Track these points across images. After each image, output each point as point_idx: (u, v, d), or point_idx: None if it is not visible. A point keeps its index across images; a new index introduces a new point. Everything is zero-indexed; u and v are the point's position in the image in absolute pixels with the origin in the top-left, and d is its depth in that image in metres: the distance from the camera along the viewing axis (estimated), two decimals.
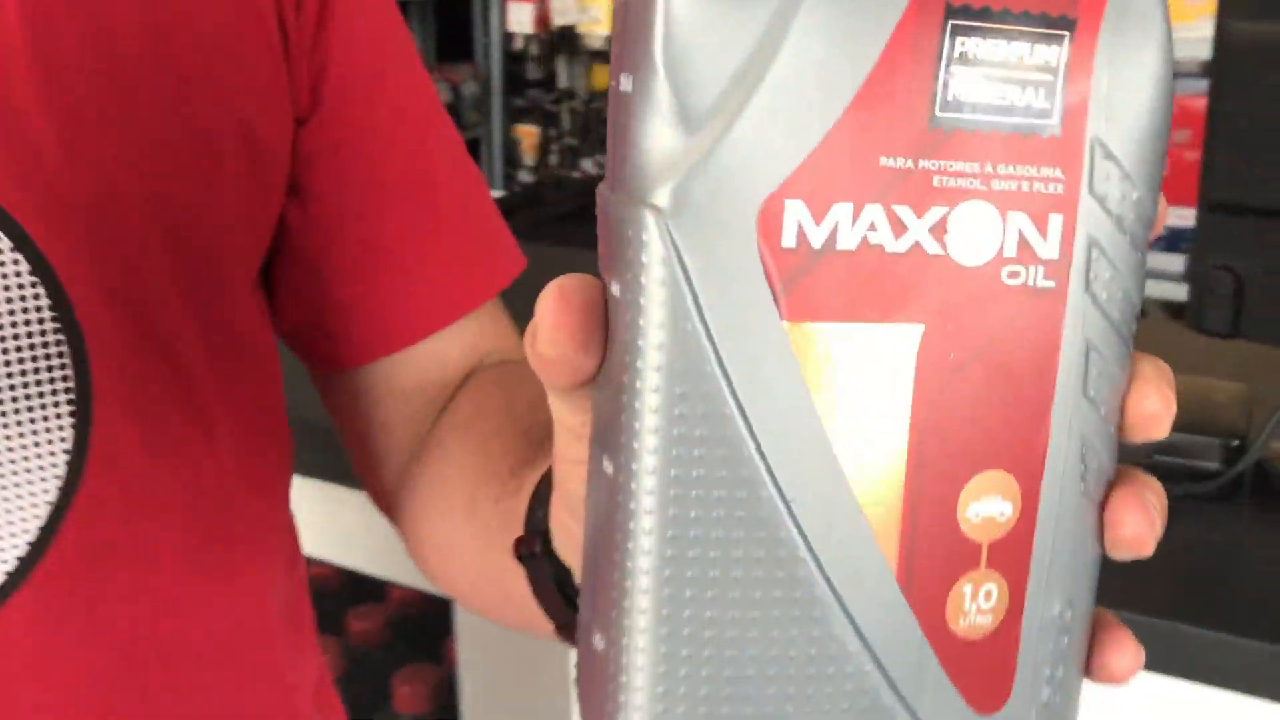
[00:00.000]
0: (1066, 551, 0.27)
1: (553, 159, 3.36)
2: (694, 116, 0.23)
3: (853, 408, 0.25)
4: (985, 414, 0.25)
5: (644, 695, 0.25)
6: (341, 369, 0.57)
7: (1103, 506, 0.27)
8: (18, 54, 0.43)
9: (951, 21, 0.24)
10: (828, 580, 0.25)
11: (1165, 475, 0.91)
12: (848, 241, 0.24)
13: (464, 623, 1.13)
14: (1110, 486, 0.27)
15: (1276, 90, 0.89)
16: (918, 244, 0.24)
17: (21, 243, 0.43)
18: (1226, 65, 0.91)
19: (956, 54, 0.24)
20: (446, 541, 0.55)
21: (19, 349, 0.44)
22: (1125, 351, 0.26)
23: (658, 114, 0.23)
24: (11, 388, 0.44)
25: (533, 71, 3.38)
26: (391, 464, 0.57)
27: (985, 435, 0.25)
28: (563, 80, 3.38)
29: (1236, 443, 0.89)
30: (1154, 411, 0.27)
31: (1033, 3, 0.24)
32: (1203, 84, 2.52)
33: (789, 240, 0.24)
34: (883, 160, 0.24)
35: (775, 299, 0.24)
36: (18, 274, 0.43)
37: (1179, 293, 2.35)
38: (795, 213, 0.24)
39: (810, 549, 0.25)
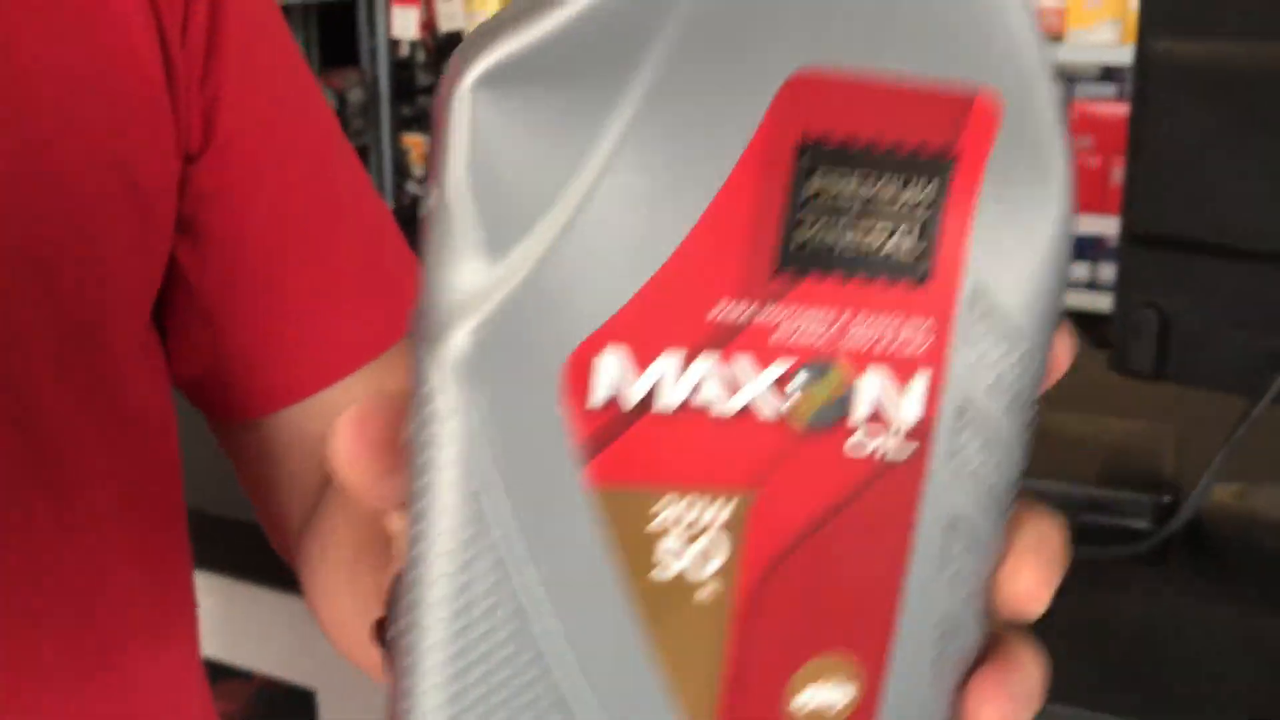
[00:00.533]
0: None
1: None
2: (498, 246, 0.21)
3: (667, 586, 0.23)
4: (823, 595, 0.23)
5: None
6: (244, 419, 0.55)
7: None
8: None
9: (804, 158, 0.21)
10: None
11: (1090, 537, 0.84)
12: (671, 399, 0.22)
13: (327, 708, 1.04)
14: (975, 666, 0.25)
15: (1199, 113, 0.82)
16: (752, 404, 0.22)
17: None
18: (1147, 87, 0.84)
19: (809, 193, 0.21)
20: (336, 606, 0.53)
21: None
22: (998, 523, 0.24)
23: (458, 240, 0.21)
24: None
25: (422, 78, 3.28)
26: (295, 515, 0.56)
27: (822, 618, 0.23)
28: None
29: (1168, 499, 0.83)
30: (1026, 591, 0.24)
31: (905, 135, 0.21)
32: (1106, 89, 2.54)
33: (600, 396, 0.22)
34: (717, 308, 0.21)
35: (580, 462, 0.22)
36: None
37: (1087, 301, 2.33)
38: (610, 365, 0.21)
39: None
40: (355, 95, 3.46)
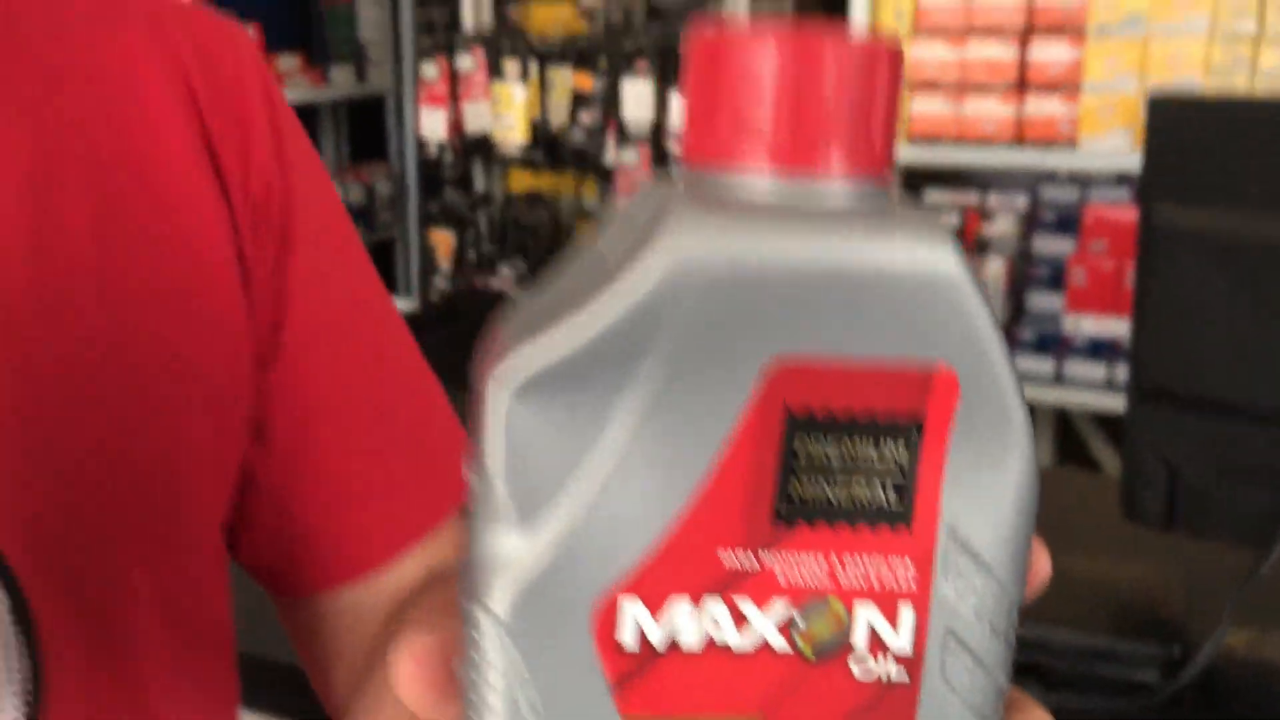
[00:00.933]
0: None
1: (469, 263, 3.33)
2: (527, 519, 0.25)
3: None
4: None
5: None
6: (303, 596, 0.60)
7: None
8: None
9: (790, 428, 0.25)
10: None
11: (1100, 687, 0.85)
12: (688, 638, 0.25)
13: None
14: None
15: (1203, 276, 0.86)
16: (763, 640, 0.25)
17: None
18: (1152, 251, 0.88)
19: (799, 458, 0.25)
20: None
21: None
22: None
23: (493, 514, 0.25)
24: None
25: (449, 172, 3.35)
26: (345, 683, 0.60)
27: None
28: (479, 185, 3.35)
29: (1178, 651, 0.85)
30: None
31: (878, 405, 0.25)
32: (1120, 193, 2.55)
33: (627, 638, 0.25)
34: (724, 555, 0.25)
35: (612, 696, 0.25)
36: None
37: (1104, 402, 2.35)
38: (633, 612, 0.25)
39: None
40: (383, 189, 3.54)
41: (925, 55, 2.39)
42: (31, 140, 0.48)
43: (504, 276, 3.25)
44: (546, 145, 3.18)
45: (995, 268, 2.48)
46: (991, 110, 2.37)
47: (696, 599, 0.25)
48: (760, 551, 0.25)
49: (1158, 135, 0.91)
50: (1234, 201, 0.86)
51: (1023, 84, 2.36)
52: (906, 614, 0.26)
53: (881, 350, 0.25)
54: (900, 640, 0.26)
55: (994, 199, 2.56)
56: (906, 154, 2.45)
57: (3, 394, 0.46)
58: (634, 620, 0.25)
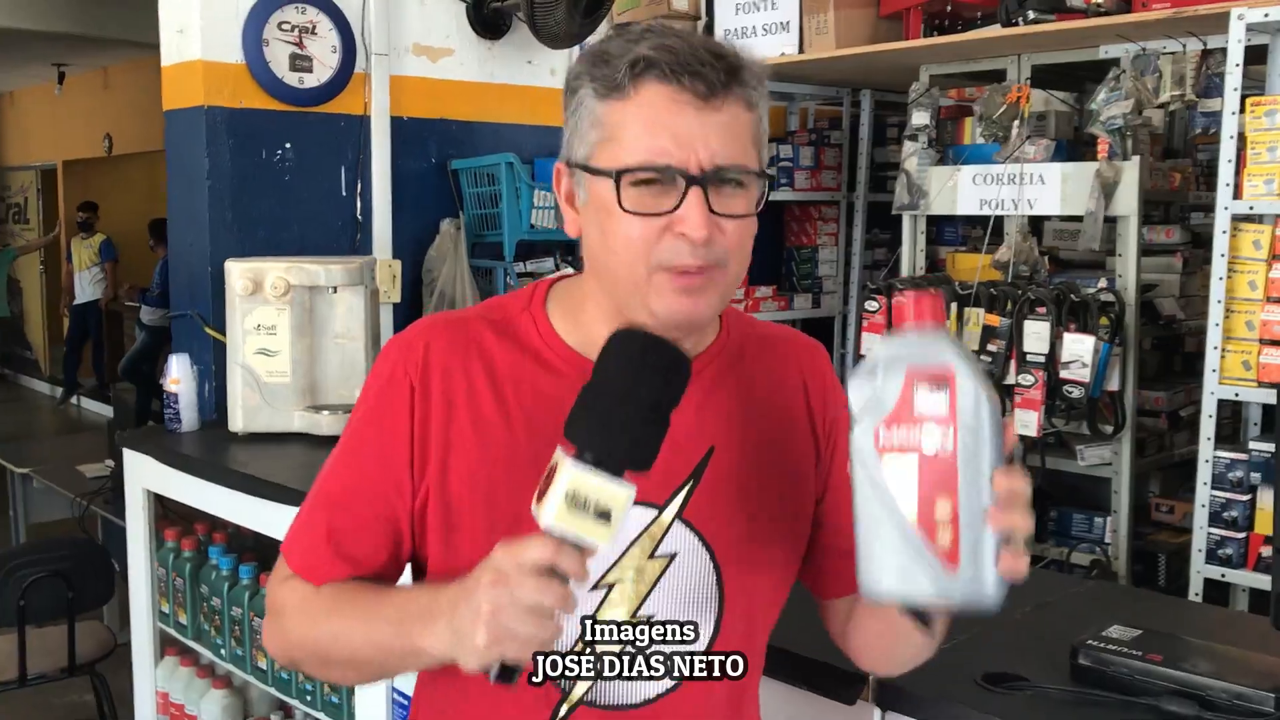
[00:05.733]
0: None
1: None
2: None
3: None
4: None
5: None
6: (826, 599, 1.36)
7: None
8: None
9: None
10: None
11: None
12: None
13: None
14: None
15: None
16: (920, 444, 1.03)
17: (702, 540, 1.23)
18: None
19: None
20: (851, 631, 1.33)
21: (697, 571, 1.24)
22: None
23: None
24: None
25: None
26: (839, 630, 1.37)
27: None
28: None
29: None
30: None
31: (938, 379, 1.03)
32: None
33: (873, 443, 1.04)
34: (884, 432, 1.04)
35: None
36: (703, 558, 1.24)
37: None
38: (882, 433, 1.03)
39: None
40: None
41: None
42: (748, 402, 1.26)
43: None
44: None
45: None
46: None
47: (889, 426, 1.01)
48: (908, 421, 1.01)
49: None
50: None
51: None
52: (950, 433, 0.99)
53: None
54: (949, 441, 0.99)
55: None
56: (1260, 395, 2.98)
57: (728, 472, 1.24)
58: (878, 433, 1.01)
